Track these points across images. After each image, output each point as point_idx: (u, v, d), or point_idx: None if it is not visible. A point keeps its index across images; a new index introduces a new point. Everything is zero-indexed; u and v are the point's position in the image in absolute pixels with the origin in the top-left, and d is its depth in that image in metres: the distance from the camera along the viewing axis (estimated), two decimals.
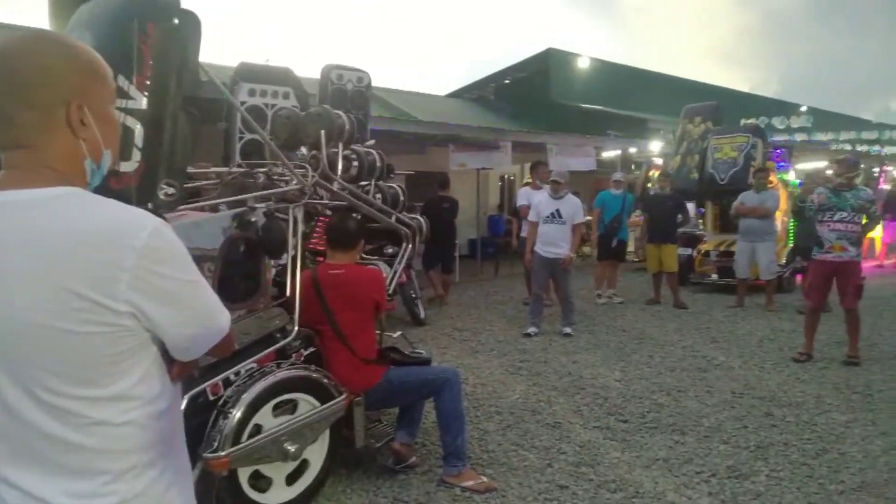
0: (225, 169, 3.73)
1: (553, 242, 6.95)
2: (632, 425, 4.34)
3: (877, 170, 15.83)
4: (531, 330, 7.01)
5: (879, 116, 18.73)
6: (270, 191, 3.37)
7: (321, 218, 3.88)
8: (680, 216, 8.87)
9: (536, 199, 7.37)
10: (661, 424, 4.34)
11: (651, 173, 11.80)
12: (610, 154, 14.12)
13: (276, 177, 3.59)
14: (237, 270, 3.14)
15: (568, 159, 12.52)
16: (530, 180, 9.02)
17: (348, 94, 4.60)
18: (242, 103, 4.33)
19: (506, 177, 16.55)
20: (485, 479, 3.45)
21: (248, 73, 4.66)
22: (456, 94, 22.15)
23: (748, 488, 3.41)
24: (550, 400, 4.86)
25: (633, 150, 14.23)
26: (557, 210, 6.95)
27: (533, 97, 18.66)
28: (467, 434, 3.75)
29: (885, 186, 13.49)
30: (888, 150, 19.66)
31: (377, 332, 3.73)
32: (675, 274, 8.82)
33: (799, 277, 8.99)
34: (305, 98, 4.73)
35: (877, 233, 11.45)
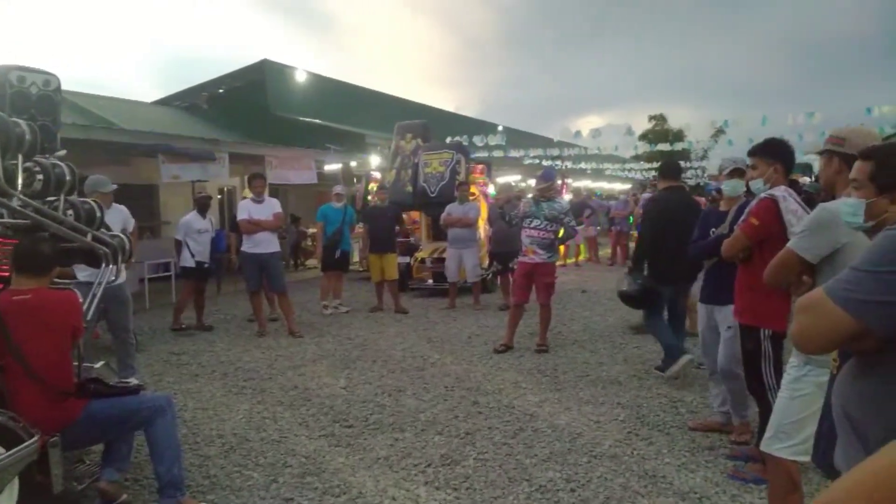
0: None
1: None
2: (356, 429, 4.50)
3: (560, 182, 18.40)
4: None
5: (562, 135, 21.81)
6: None
7: None
8: (397, 227, 9.41)
9: None
10: (382, 424, 4.57)
11: (370, 186, 12.30)
12: (332, 168, 14.38)
13: None
14: None
15: (288, 172, 12.50)
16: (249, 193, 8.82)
17: (32, 98, 4.05)
18: None
19: (225, 190, 15.94)
20: None
21: None
22: (164, 102, 20.74)
23: (459, 473, 3.76)
24: (276, 416, 4.82)
25: (353, 163, 14.68)
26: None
27: (249, 108, 18.19)
28: (185, 462, 3.57)
29: (568, 196, 15.70)
30: (568, 164, 23.05)
31: (75, 362, 3.37)
32: (395, 281, 9.33)
33: (500, 279, 10.08)
34: None
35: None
